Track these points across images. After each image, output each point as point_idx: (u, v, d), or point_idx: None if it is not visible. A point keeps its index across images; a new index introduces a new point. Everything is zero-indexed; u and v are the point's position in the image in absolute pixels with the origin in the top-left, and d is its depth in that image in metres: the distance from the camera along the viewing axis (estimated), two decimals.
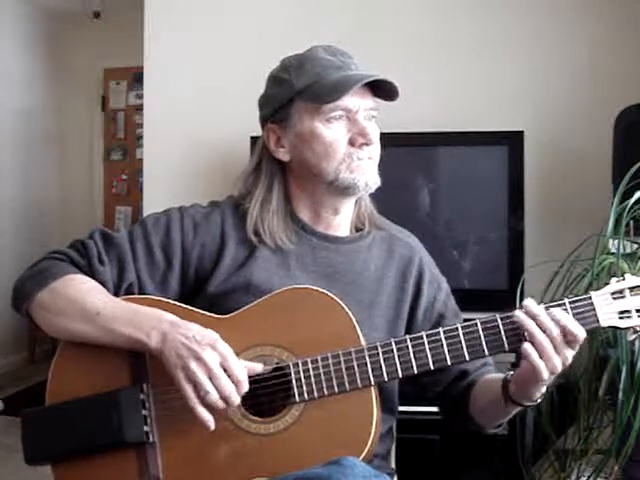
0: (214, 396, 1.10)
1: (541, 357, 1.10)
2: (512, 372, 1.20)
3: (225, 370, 1.11)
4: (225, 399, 1.11)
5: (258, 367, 1.15)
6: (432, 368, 1.16)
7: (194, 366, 1.10)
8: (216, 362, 1.11)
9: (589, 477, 1.84)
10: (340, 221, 1.34)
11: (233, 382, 1.11)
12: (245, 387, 1.12)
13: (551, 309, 1.12)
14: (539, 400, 1.19)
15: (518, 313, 1.12)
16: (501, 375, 1.24)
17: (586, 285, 1.74)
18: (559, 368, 1.11)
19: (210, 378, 1.10)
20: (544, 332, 1.10)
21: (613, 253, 1.77)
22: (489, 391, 1.26)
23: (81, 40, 5.13)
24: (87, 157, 5.35)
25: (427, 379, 1.30)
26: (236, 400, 1.11)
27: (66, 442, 1.18)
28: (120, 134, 5.34)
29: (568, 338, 1.10)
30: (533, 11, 2.59)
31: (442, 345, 1.15)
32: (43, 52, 5.08)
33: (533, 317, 1.11)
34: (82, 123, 5.30)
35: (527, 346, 1.10)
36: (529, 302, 1.13)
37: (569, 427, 1.90)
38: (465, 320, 1.19)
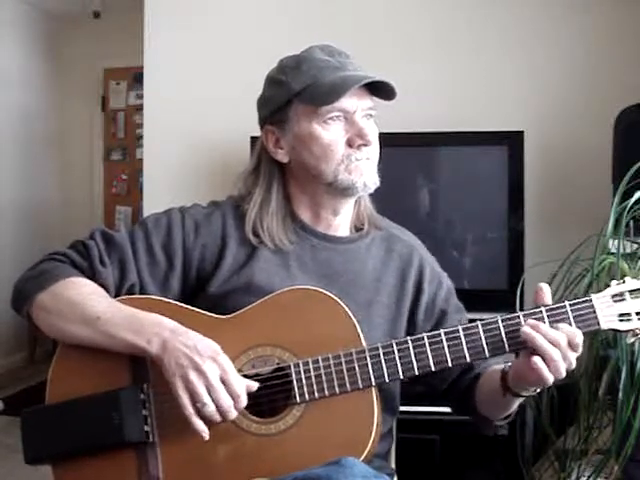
0: (211, 409, 1.09)
1: (550, 369, 1.10)
2: (509, 363, 1.20)
3: (224, 384, 1.11)
4: (222, 413, 1.10)
5: (254, 385, 1.14)
6: (433, 369, 1.16)
7: (194, 377, 1.09)
8: (216, 375, 1.10)
9: (589, 477, 1.84)
10: (340, 221, 1.34)
11: (232, 396, 1.10)
12: (244, 402, 1.12)
13: (554, 321, 1.12)
14: (538, 390, 1.19)
15: (525, 329, 1.12)
16: (501, 366, 1.23)
17: (586, 285, 1.74)
18: (564, 374, 1.11)
19: (209, 391, 1.10)
20: (553, 345, 1.10)
21: (613, 253, 1.77)
22: (490, 381, 1.26)
23: (81, 40, 5.12)
24: (87, 157, 5.34)
25: (434, 377, 1.30)
26: (233, 415, 1.11)
27: (66, 442, 1.18)
28: (120, 134, 5.33)
29: (573, 348, 1.11)
30: (533, 11, 2.59)
31: (443, 347, 1.15)
32: (43, 52, 5.07)
33: (538, 330, 1.11)
34: (82, 123, 5.29)
35: (537, 360, 1.09)
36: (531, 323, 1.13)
37: (569, 427, 1.90)
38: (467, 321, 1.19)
